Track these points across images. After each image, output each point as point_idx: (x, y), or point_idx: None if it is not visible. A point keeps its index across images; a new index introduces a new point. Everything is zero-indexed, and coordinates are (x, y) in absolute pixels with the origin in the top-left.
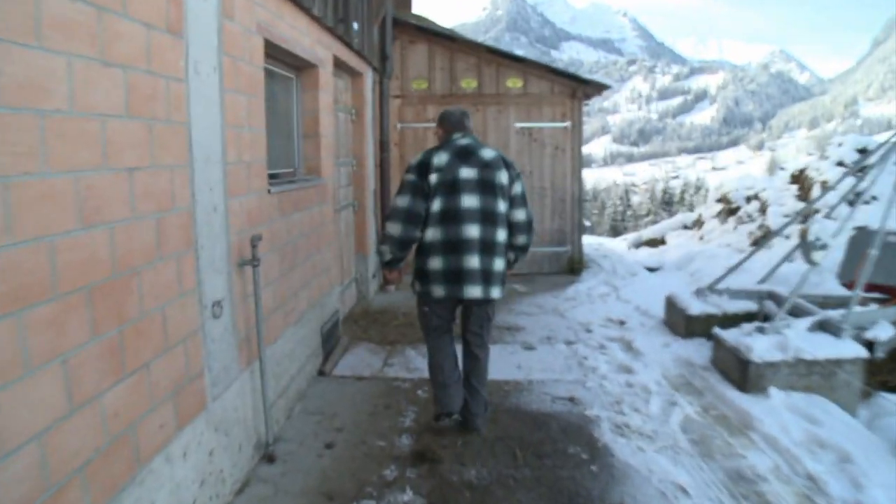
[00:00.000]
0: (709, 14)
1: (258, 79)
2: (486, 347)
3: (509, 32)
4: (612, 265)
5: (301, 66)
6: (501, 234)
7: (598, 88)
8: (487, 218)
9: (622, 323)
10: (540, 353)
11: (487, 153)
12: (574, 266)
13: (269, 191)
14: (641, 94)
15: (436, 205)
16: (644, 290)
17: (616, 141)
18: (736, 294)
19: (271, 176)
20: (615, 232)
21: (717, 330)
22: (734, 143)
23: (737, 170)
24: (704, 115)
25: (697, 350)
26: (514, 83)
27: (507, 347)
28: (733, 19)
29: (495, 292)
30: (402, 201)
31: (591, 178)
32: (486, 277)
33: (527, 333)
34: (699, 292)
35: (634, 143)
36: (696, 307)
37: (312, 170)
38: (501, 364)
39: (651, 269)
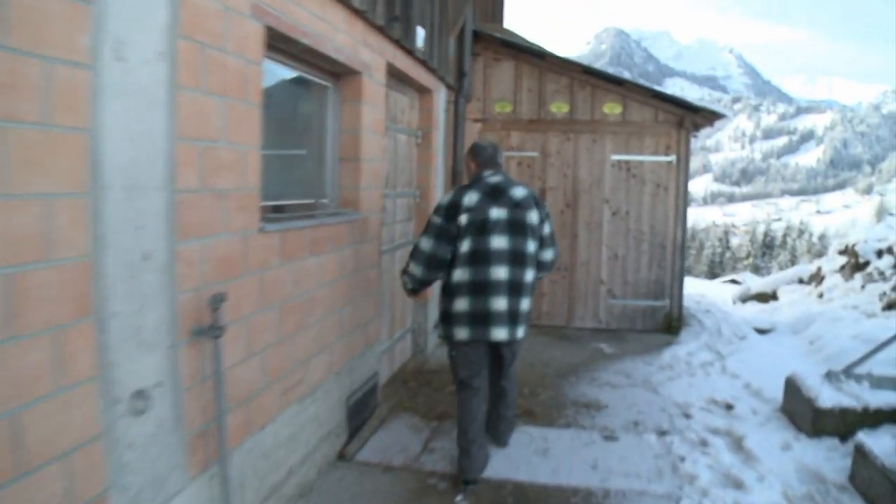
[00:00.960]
0: (818, 52)
1: (251, 78)
2: (513, 379)
3: (612, 67)
4: (716, 323)
5: (339, 73)
6: (530, 275)
7: (710, 118)
8: (517, 259)
9: (729, 407)
10: (623, 445)
11: (518, 192)
12: (672, 324)
13: (261, 229)
14: (745, 133)
15: (465, 245)
16: (755, 359)
17: (717, 180)
18: (880, 382)
19: (274, 209)
20: (712, 274)
21: (861, 437)
22: (841, 186)
23: (843, 214)
24: (810, 157)
25: (829, 457)
26: (611, 109)
27: (581, 435)
28: (844, 58)
29: (520, 332)
30: (427, 245)
31: (690, 216)
32: (513, 318)
33: (609, 414)
34: (831, 376)
35: (736, 183)
36: (827, 397)
37: (349, 202)
38: (573, 461)
39: (761, 331)
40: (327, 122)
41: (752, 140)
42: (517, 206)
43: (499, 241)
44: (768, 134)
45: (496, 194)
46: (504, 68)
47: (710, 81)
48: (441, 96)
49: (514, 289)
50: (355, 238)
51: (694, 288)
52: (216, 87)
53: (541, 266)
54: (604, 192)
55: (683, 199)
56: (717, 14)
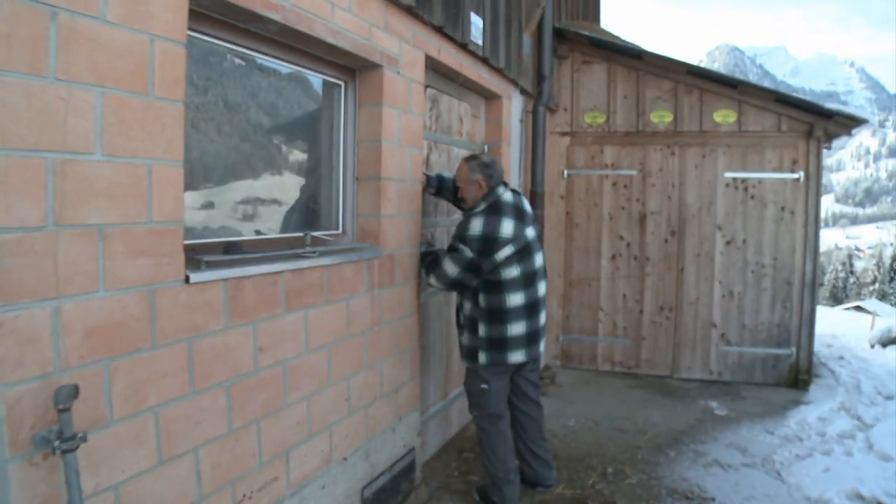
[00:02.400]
0: None
1: (163, 63)
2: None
3: None
4: (853, 375)
5: (353, 66)
6: None
7: (847, 125)
8: (544, 271)
9: None
10: None
11: (527, 204)
12: (799, 377)
13: (186, 279)
14: (869, 151)
15: (515, 271)
16: None
17: (839, 201)
18: None
19: (226, 248)
20: (835, 300)
21: None
22: None
23: None
24: None
25: None
26: (724, 117)
27: None
28: None
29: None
30: (452, 271)
31: None
32: (544, 332)
33: None
34: None
35: (860, 204)
36: None
37: (369, 233)
38: None
39: None
40: (338, 130)
41: (877, 158)
42: (534, 221)
43: (538, 259)
44: (894, 151)
45: (520, 214)
46: (595, 72)
47: (829, 97)
48: (514, 104)
49: (544, 302)
50: (374, 282)
51: (819, 320)
52: (80, 71)
53: None
54: (716, 218)
55: (814, 225)
56: (835, 25)
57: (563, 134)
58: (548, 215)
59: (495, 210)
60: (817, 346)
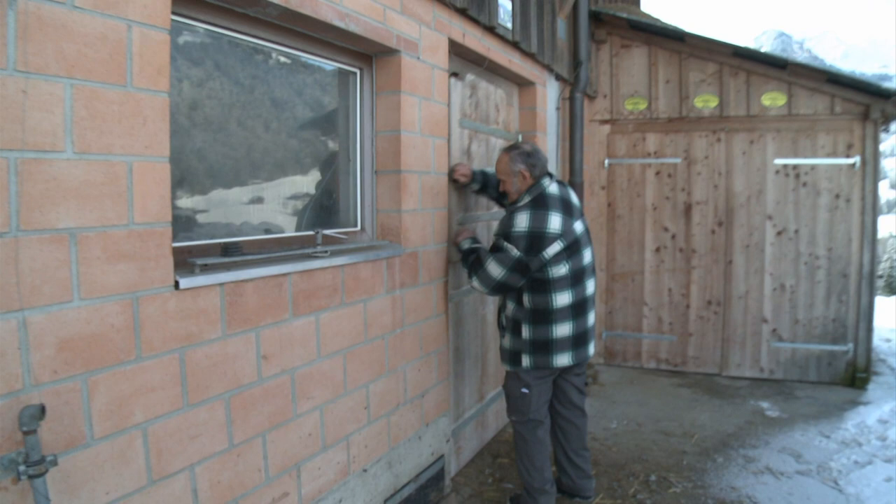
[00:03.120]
0: None
1: (142, 52)
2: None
3: None
4: None
5: (368, 52)
6: None
7: None
8: (593, 268)
9: None
10: None
11: (574, 196)
12: (856, 376)
13: (176, 285)
14: None
15: (563, 268)
16: None
17: (894, 187)
18: None
19: (224, 249)
20: (890, 290)
21: None
22: None
23: None
24: None
25: None
26: (772, 100)
27: None
28: None
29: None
30: (498, 273)
31: None
32: (594, 332)
33: None
34: None
35: None
36: None
37: (390, 230)
38: None
39: None
40: (354, 121)
41: None
42: (582, 213)
43: (587, 255)
44: None
45: (568, 207)
46: (635, 56)
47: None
48: (549, 91)
49: (594, 300)
50: (395, 281)
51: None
52: (45, 61)
53: None
54: (766, 207)
55: (872, 214)
56: (888, 6)
57: (603, 122)
58: (588, 207)
59: (541, 203)
60: (875, 342)
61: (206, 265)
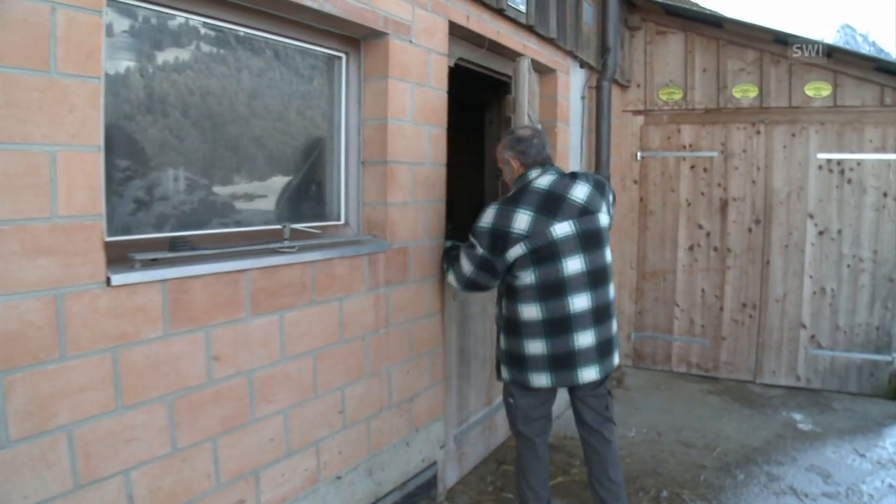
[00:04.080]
0: None
1: (69, 35)
2: (613, 423)
3: None
4: None
5: (353, 36)
6: (612, 290)
7: None
8: (598, 278)
9: None
10: None
11: (579, 192)
12: None
13: (108, 281)
14: None
15: (528, 278)
16: None
17: None
18: None
19: (172, 244)
20: None
21: None
22: None
23: None
24: None
25: None
26: (816, 90)
27: None
28: None
29: (615, 360)
30: (467, 268)
31: None
32: (604, 350)
33: None
34: None
35: None
36: None
37: (375, 224)
38: None
39: None
40: (339, 108)
41: None
42: (584, 213)
43: (573, 265)
44: None
45: (553, 204)
46: (670, 44)
47: None
48: (574, 79)
49: (601, 314)
50: (379, 279)
51: None
52: None
53: None
54: (807, 205)
55: None
56: None
57: (637, 112)
58: (619, 202)
59: (515, 198)
60: None
61: (148, 260)
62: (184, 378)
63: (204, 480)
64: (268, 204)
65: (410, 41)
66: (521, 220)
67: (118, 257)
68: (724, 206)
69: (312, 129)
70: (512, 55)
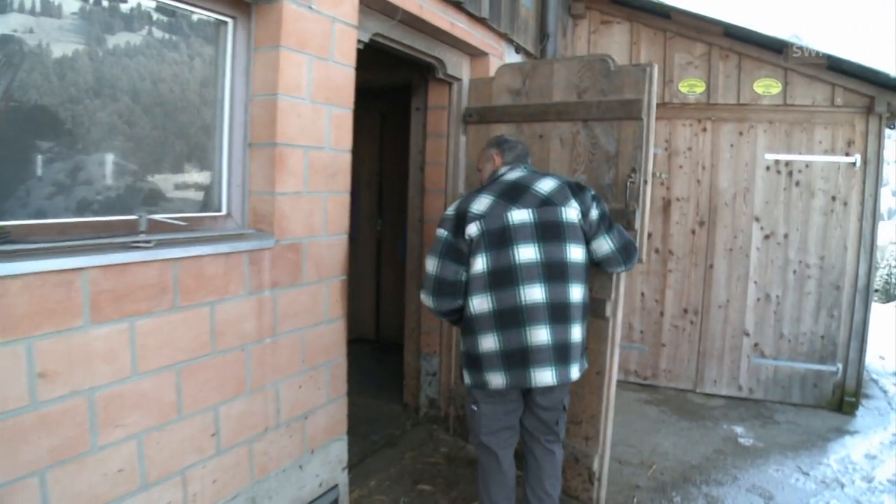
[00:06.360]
0: None
1: None
2: (561, 442)
3: None
4: None
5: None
6: (577, 292)
7: None
8: (554, 273)
9: None
10: None
11: (545, 185)
12: (845, 399)
13: None
14: None
15: (480, 264)
16: None
17: None
18: None
19: None
20: (888, 297)
21: None
22: None
23: None
24: None
25: None
26: (765, 87)
27: None
28: None
29: (573, 372)
30: (431, 266)
31: None
32: (560, 354)
33: None
34: None
35: None
36: None
37: (262, 216)
38: None
39: None
40: (223, 81)
41: None
42: (546, 203)
43: (526, 253)
44: None
45: (515, 193)
46: (615, 34)
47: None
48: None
49: (557, 313)
50: (263, 280)
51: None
52: None
53: (606, 262)
54: (753, 207)
55: (871, 220)
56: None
57: None
58: None
59: (481, 188)
60: (868, 358)
61: None
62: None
63: None
64: (127, 190)
65: (310, 7)
66: (481, 203)
67: None
68: (666, 206)
69: (190, 104)
70: (438, 34)
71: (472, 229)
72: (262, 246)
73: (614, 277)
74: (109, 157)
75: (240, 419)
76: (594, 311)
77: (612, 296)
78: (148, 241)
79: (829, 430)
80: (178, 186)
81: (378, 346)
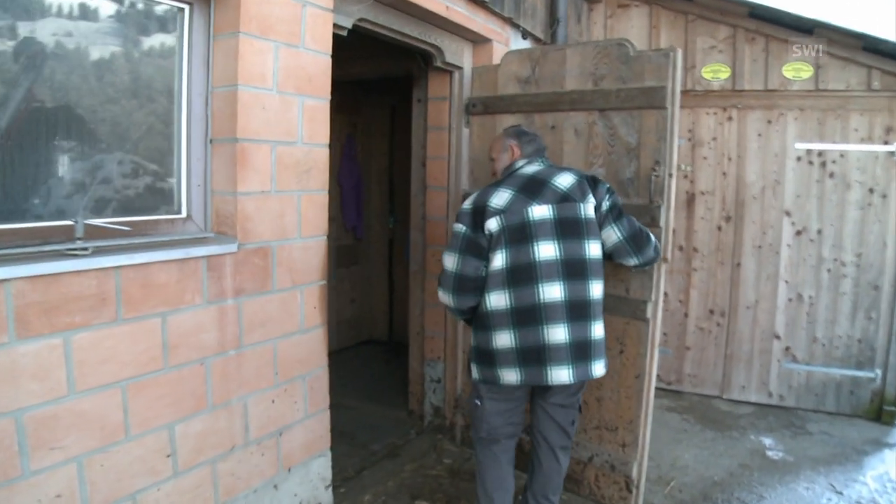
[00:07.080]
0: None
1: None
2: (569, 449)
3: None
4: None
5: None
6: (597, 289)
7: None
8: (574, 270)
9: None
10: None
11: (563, 179)
12: (884, 408)
13: None
14: None
15: (499, 260)
16: None
17: None
18: None
19: None
20: None
21: None
22: None
23: None
24: None
25: None
26: (795, 71)
27: None
28: None
29: (597, 369)
30: (451, 262)
31: None
32: (579, 352)
33: None
34: None
35: None
36: None
37: (225, 218)
38: None
39: None
40: (180, 71)
41: None
42: (565, 200)
43: (546, 250)
44: None
45: (534, 188)
46: (633, 18)
47: None
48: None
49: (577, 311)
50: (226, 287)
51: None
52: None
53: (616, 253)
54: (783, 201)
55: None
56: None
57: None
58: None
59: (499, 182)
60: None
61: None
62: None
63: None
64: (69, 194)
65: None
66: (501, 197)
67: None
68: (690, 200)
69: (146, 98)
70: (433, 18)
71: (492, 224)
72: (222, 251)
73: (654, 276)
74: (49, 158)
75: (200, 438)
76: (633, 313)
77: (653, 297)
78: (84, 249)
79: (865, 443)
80: (129, 188)
81: (390, 347)
